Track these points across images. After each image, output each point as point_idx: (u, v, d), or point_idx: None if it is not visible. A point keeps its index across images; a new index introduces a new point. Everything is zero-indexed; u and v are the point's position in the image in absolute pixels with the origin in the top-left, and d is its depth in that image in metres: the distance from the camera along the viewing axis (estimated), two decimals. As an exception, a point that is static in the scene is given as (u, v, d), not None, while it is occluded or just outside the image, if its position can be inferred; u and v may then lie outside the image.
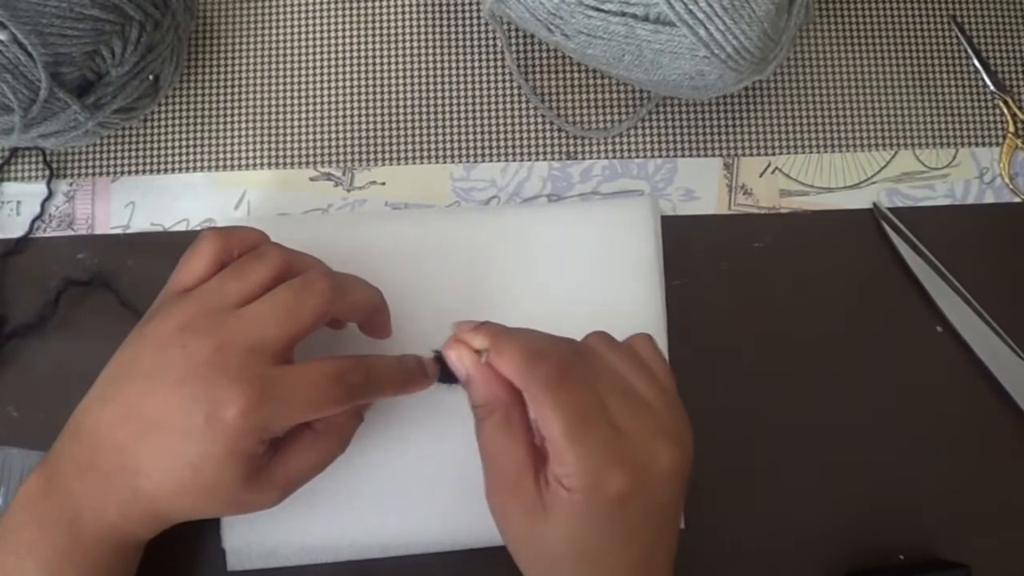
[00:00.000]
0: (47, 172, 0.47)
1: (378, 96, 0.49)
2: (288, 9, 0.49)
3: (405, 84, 0.49)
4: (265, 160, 0.48)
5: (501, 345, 0.34)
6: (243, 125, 0.48)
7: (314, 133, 0.48)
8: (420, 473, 0.43)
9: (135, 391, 0.34)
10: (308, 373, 0.35)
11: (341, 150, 0.48)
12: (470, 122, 0.49)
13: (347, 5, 0.50)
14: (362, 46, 0.49)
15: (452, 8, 0.50)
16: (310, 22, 0.49)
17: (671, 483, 0.35)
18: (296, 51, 0.49)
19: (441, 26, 0.50)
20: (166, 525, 0.36)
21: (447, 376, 0.38)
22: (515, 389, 0.34)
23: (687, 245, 0.47)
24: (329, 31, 0.49)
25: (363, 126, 0.49)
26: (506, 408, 0.34)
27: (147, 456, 0.34)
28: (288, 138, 0.48)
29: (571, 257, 0.45)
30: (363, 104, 0.49)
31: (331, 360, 0.35)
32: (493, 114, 0.49)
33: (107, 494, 0.34)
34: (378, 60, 0.49)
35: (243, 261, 0.37)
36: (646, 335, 0.38)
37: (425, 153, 0.48)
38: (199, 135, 0.48)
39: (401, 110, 0.49)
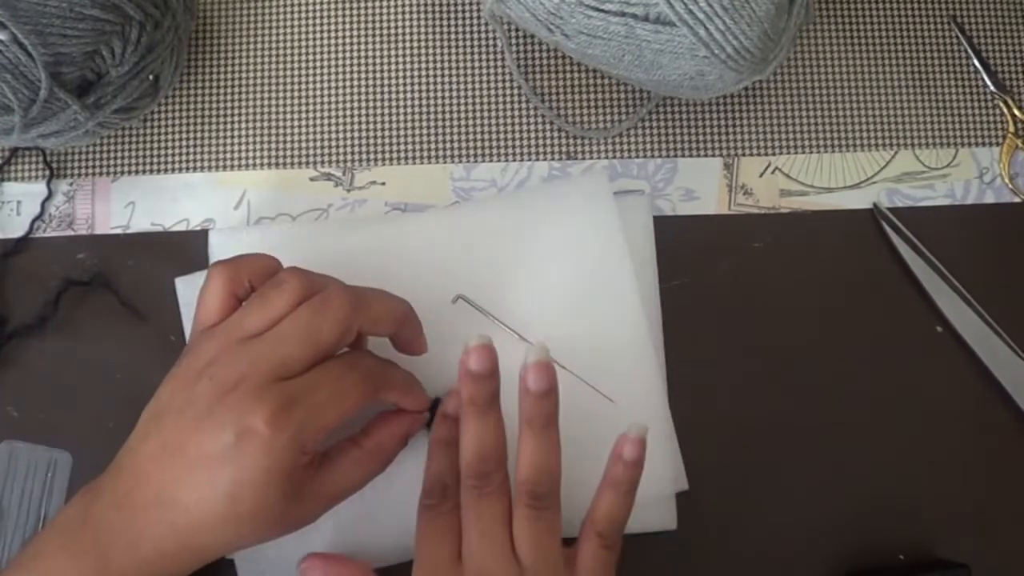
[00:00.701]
0: (47, 172, 0.47)
1: (378, 96, 0.49)
2: (288, 9, 0.49)
3: (405, 84, 0.49)
4: (265, 160, 0.48)
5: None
6: (243, 125, 0.48)
7: (314, 133, 0.48)
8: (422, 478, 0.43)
9: (169, 425, 0.34)
10: (323, 370, 0.35)
11: (341, 150, 0.48)
12: (470, 122, 0.49)
13: (347, 5, 0.50)
14: (362, 46, 0.49)
15: (452, 8, 0.50)
16: (310, 22, 0.49)
17: None
18: (296, 51, 0.49)
19: (441, 26, 0.50)
20: (204, 560, 0.35)
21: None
22: None
23: (687, 245, 0.47)
24: (329, 31, 0.49)
25: (363, 126, 0.49)
26: None
27: (183, 488, 0.33)
28: (288, 138, 0.48)
29: (551, 250, 0.45)
30: (363, 104, 0.49)
31: (342, 354, 0.36)
32: (493, 114, 0.49)
33: (143, 528, 0.34)
34: (378, 60, 0.49)
35: (263, 291, 0.37)
36: None
37: (425, 153, 0.48)
38: (199, 135, 0.48)
39: (401, 110, 0.49)
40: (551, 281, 0.45)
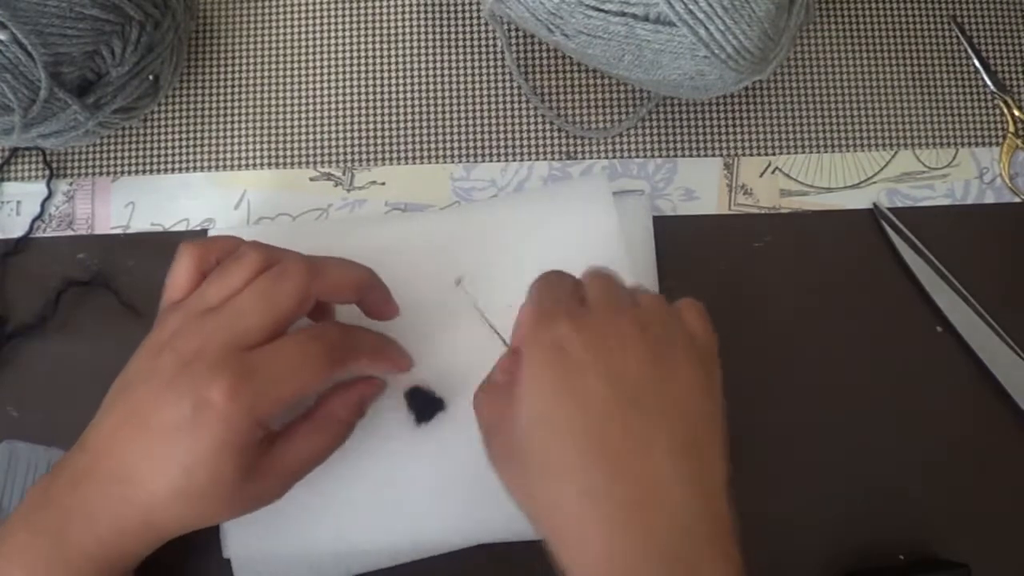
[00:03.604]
0: (47, 172, 0.47)
1: (378, 96, 0.49)
2: (288, 9, 0.49)
3: (405, 84, 0.49)
4: (265, 160, 0.48)
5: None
6: (243, 125, 0.48)
7: (314, 133, 0.48)
8: (421, 477, 0.43)
9: (131, 399, 0.35)
10: (286, 340, 0.35)
11: (341, 150, 0.48)
12: (470, 122, 0.49)
13: (347, 5, 0.50)
14: (362, 46, 0.49)
15: (452, 8, 0.50)
16: (310, 22, 0.49)
17: (638, 360, 0.34)
18: (296, 51, 0.49)
19: (441, 26, 0.50)
20: (163, 539, 0.36)
21: (423, 414, 0.41)
22: None
23: (687, 245, 0.47)
24: (329, 31, 0.49)
25: (363, 126, 0.49)
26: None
27: (139, 461, 0.34)
28: (288, 138, 0.48)
29: (551, 251, 0.45)
30: (363, 104, 0.49)
31: (308, 326, 0.37)
32: (493, 114, 0.49)
33: (99, 505, 0.34)
34: (378, 60, 0.49)
35: (224, 265, 0.37)
36: (694, 303, 0.39)
37: (425, 153, 0.48)
38: (199, 135, 0.48)
39: (401, 110, 0.49)
40: None
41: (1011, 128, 0.50)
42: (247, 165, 0.48)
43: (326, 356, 0.36)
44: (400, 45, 0.49)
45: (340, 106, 0.49)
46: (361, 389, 0.39)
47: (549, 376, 0.33)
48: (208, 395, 0.33)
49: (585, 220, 0.45)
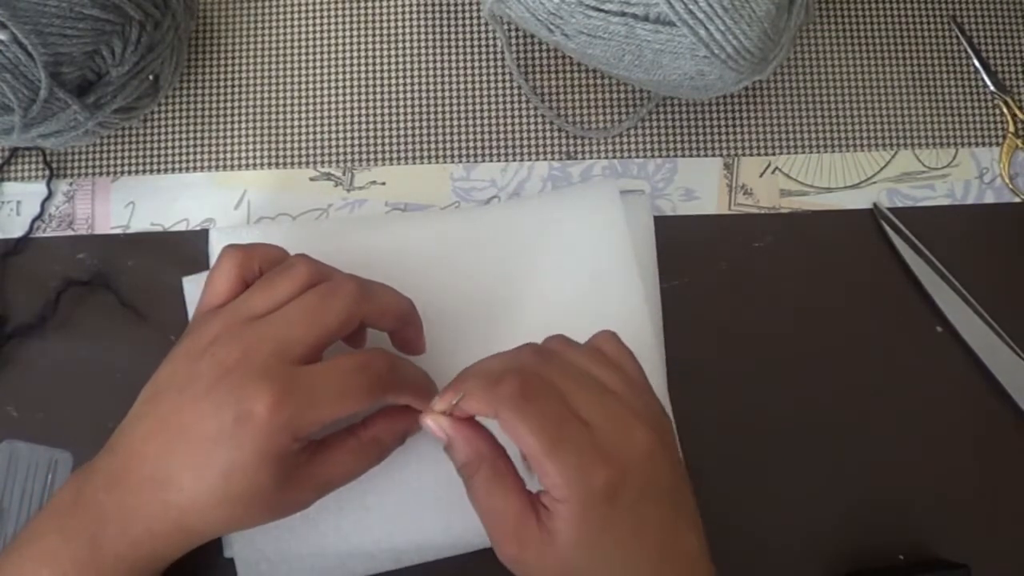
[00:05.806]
0: (47, 172, 0.47)
1: (378, 96, 0.49)
2: (288, 9, 0.49)
3: (405, 84, 0.49)
4: (265, 160, 0.48)
5: (463, 386, 0.34)
6: (243, 125, 0.48)
7: (314, 133, 0.48)
8: (426, 479, 0.43)
9: (168, 404, 0.35)
10: (333, 366, 0.35)
11: (341, 150, 0.48)
12: (470, 122, 0.49)
13: (347, 5, 0.50)
14: (362, 46, 0.49)
15: (452, 8, 0.50)
16: (310, 22, 0.49)
17: (654, 463, 0.34)
18: (296, 51, 0.49)
19: (441, 26, 0.50)
20: (194, 543, 0.35)
21: None
22: (495, 441, 0.35)
23: (687, 245, 0.47)
24: (329, 31, 0.49)
25: (363, 126, 0.49)
26: (491, 460, 0.35)
27: (177, 466, 0.34)
28: (288, 138, 0.48)
29: (558, 257, 0.45)
30: (363, 104, 0.49)
31: (356, 352, 0.36)
32: (493, 114, 0.49)
33: (135, 507, 0.34)
34: (378, 60, 0.49)
35: (271, 274, 0.37)
36: (610, 332, 0.38)
37: (425, 153, 0.48)
38: (199, 135, 0.48)
39: (401, 110, 0.49)
40: (556, 286, 0.45)
41: (1011, 128, 0.50)
42: (247, 165, 0.48)
43: (369, 388, 0.35)
44: (400, 45, 0.49)
45: (340, 106, 0.49)
46: (410, 421, 0.39)
47: (611, 526, 0.33)
48: (251, 407, 0.33)
49: (595, 228, 0.45)
